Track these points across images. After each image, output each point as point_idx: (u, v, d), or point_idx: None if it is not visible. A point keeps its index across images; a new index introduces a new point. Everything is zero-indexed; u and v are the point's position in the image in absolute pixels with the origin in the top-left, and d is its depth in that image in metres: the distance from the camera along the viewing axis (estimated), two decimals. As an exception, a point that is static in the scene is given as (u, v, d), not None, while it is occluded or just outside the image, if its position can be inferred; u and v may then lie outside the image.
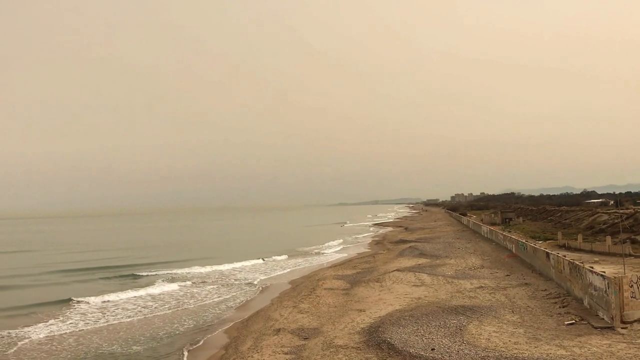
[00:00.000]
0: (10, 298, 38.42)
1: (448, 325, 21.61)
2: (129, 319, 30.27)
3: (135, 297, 37.22)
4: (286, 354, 20.12)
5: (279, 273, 49.06)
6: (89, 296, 36.84)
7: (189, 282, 43.39)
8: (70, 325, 28.80)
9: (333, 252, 69.30)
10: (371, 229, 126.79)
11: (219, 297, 37.24)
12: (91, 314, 31.81)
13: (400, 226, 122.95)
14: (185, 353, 23.37)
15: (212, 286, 41.71)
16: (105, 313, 31.93)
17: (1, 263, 65.18)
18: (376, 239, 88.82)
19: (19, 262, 65.60)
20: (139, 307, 33.67)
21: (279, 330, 24.16)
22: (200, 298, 36.87)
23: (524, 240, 44.88)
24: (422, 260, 45.03)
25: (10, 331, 26.95)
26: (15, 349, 24.22)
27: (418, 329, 21.39)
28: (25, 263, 63.30)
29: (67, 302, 34.61)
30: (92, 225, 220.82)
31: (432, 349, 18.59)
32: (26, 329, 27.53)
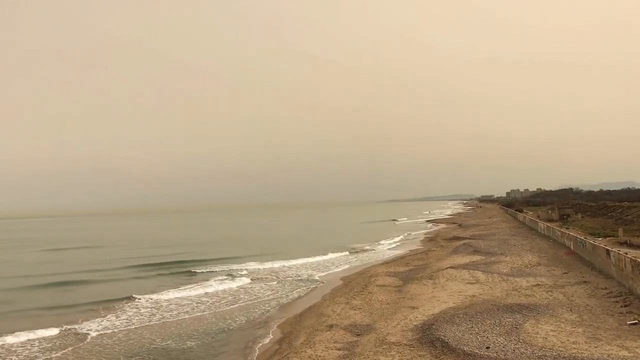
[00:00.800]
0: (70, 294, 39.78)
1: (503, 324, 21.14)
2: (183, 315, 30.75)
3: (190, 293, 37.87)
4: (339, 349, 20.14)
5: (330, 269, 49.15)
6: (145, 292, 37.78)
7: (242, 278, 43.90)
8: (125, 321, 29.45)
9: (385, 249, 68.97)
10: (424, 225, 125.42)
11: (272, 293, 37.59)
12: (146, 309, 32.51)
13: (453, 223, 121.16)
14: (239, 348, 23.70)
15: (265, 282, 42.17)
16: (160, 309, 32.56)
17: (68, 258, 67.80)
18: (429, 235, 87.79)
19: (79, 257, 68.26)
20: (194, 303, 34.20)
21: (331, 326, 24.21)
22: (253, 294, 37.32)
23: (582, 237, 43.43)
24: (476, 258, 44.21)
25: (68, 327, 27.74)
26: (71, 343, 25.02)
27: (472, 327, 21.02)
28: (86, 259, 65.70)
29: (124, 298, 35.42)
30: (143, 222, 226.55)
31: (487, 348, 18.23)
32: (82, 324, 28.36)
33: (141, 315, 30.79)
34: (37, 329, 26.76)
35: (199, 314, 31.12)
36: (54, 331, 26.50)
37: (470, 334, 20.09)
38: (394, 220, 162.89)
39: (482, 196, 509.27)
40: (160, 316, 30.54)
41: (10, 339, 24.85)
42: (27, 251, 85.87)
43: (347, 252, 63.20)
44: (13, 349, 23.69)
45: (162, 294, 37.20)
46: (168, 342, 24.66)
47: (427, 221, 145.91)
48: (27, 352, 23.27)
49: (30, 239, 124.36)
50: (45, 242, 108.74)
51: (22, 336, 25.33)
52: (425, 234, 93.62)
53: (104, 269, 53.75)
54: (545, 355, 16.87)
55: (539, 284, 29.81)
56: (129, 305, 33.33)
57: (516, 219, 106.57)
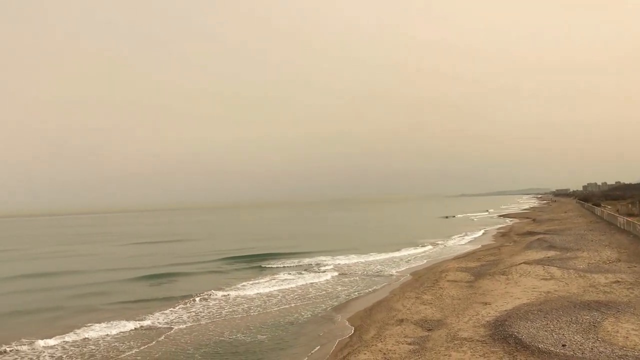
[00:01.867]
0: (150, 287, 41.12)
1: (580, 321, 20.31)
2: (253, 310, 31.04)
3: (261, 287, 38.43)
4: (409, 344, 19.98)
5: (400, 264, 48.73)
6: (220, 285, 38.80)
7: (313, 273, 44.30)
8: (193, 314, 29.94)
9: (456, 244, 67.75)
10: (496, 220, 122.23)
11: (342, 287, 37.69)
12: (215, 302, 33.09)
13: (527, 217, 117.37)
14: (310, 341, 23.89)
15: (334, 276, 42.33)
16: (229, 303, 33.08)
17: (155, 252, 70.57)
18: (501, 230, 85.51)
19: (166, 251, 71.02)
20: (264, 297, 34.59)
21: (402, 320, 24.04)
22: (323, 288, 37.52)
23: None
24: (551, 253, 42.65)
25: (141, 321, 28.46)
26: (143, 337, 25.71)
27: (547, 324, 20.32)
28: (174, 252, 68.03)
29: (200, 292, 36.16)
30: (217, 217, 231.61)
31: (563, 345, 17.58)
32: (152, 318, 29.06)
33: (211, 308, 31.43)
34: (112, 320, 27.75)
35: (269, 308, 31.44)
36: (127, 324, 27.13)
37: (545, 331, 19.43)
38: (464, 215, 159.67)
39: (557, 190, 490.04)
40: (230, 310, 31.02)
41: (87, 333, 25.65)
42: (115, 245, 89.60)
43: (417, 247, 62.48)
44: (88, 343, 24.52)
45: (234, 288, 37.98)
46: (237, 335, 25.00)
47: (500, 216, 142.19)
48: (98, 346, 23.85)
49: (117, 233, 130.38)
50: (132, 236, 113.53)
51: (96, 330, 26.05)
52: (497, 229, 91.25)
53: (189, 262, 55.01)
54: (627, 355, 16.09)
55: (618, 281, 28.42)
56: (202, 298, 34.06)
57: (593, 213, 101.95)
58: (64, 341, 24.08)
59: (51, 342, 23.77)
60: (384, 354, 18.90)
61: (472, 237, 77.21)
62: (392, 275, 42.24)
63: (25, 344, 23.54)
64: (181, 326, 27.04)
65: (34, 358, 21.85)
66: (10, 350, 22.78)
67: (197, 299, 33.71)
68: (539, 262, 37.67)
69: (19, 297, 37.16)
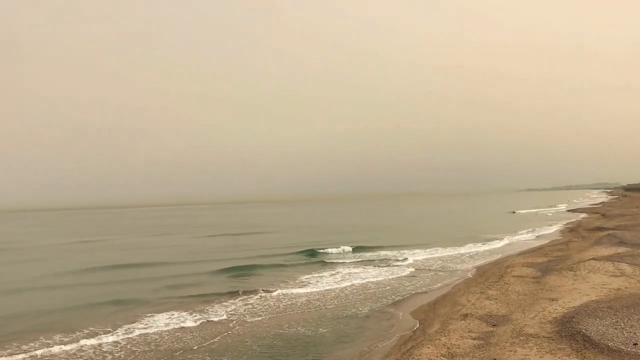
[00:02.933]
0: (217, 280, 41.66)
1: (653, 320, 19.49)
2: (313, 303, 31.17)
3: (325, 280, 38.75)
4: (474, 339, 19.76)
5: (465, 259, 48.01)
6: (280, 279, 39.35)
7: (375, 267, 44.26)
8: (251, 307, 30.11)
9: (522, 239, 65.96)
10: (563, 215, 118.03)
11: (404, 281, 37.48)
12: (276, 295, 33.22)
13: (596, 212, 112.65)
14: (372, 334, 23.97)
15: (396, 271, 42.09)
16: (289, 296, 33.20)
17: (237, 244, 71.61)
18: (569, 226, 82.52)
19: (248, 243, 71.95)
20: (325, 291, 34.56)
21: (466, 315, 23.77)
22: (386, 282, 37.35)
23: None
24: (621, 249, 40.90)
25: (202, 314, 29.15)
26: (201, 329, 26.22)
27: (617, 321, 19.60)
28: (256, 244, 68.82)
29: (259, 284, 36.86)
30: (293, 209, 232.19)
31: (635, 344, 16.94)
32: (213, 310, 29.43)
33: (270, 301, 31.67)
34: (175, 312, 28.48)
35: (330, 301, 31.43)
36: (189, 317, 27.48)
37: (615, 329, 18.76)
38: (531, 210, 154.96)
39: (628, 185, 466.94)
40: (290, 303, 31.05)
41: (151, 325, 26.25)
42: (194, 236, 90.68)
43: (482, 243, 61.29)
44: (150, 335, 25.13)
45: (296, 281, 38.32)
46: (297, 329, 25.05)
47: (568, 211, 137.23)
48: (162, 337, 24.29)
49: (193, 225, 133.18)
50: (209, 228, 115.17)
51: (159, 322, 26.60)
52: (565, 224, 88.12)
53: (260, 255, 55.13)
54: (703, 355, 15.37)
55: (695, 279, 27.03)
56: (265, 291, 34.39)
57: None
58: (126, 332, 24.70)
59: (113, 336, 24.26)
60: (448, 348, 18.78)
61: (539, 232, 74.94)
62: (456, 270, 41.69)
63: (90, 336, 24.62)
64: (240, 319, 27.27)
65: (99, 348, 22.55)
66: (79, 338, 23.97)
67: (261, 292, 34.07)
68: (608, 258, 36.23)
69: (103, 287, 38.13)
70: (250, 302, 31.42)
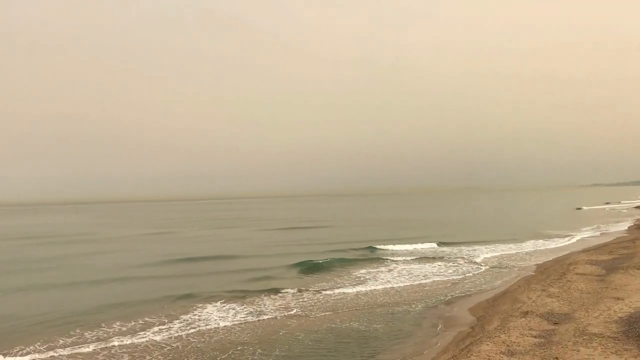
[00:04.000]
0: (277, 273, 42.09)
1: None
2: (366, 297, 30.90)
3: (378, 274, 38.51)
4: (535, 337, 19.17)
5: (524, 256, 46.68)
6: (332, 274, 39.18)
7: (433, 262, 43.63)
8: (309, 302, 29.81)
9: (585, 236, 63.40)
10: (631, 212, 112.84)
11: (463, 277, 36.74)
12: (327, 290, 32.86)
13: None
14: (429, 330, 23.61)
15: (455, 267, 41.43)
16: (342, 291, 32.85)
17: (296, 237, 71.71)
18: (638, 223, 78.85)
19: (310, 236, 72.16)
20: (379, 286, 34.13)
21: (526, 312, 23.10)
22: (444, 278, 36.77)
23: None
24: (694, 248, 38.77)
25: (253, 307, 29.55)
26: (253, 322, 26.55)
27: (689, 323, 18.58)
28: (318, 239, 69.11)
29: (311, 279, 36.96)
30: (348, 203, 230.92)
31: None
32: (267, 303, 29.67)
33: (322, 296, 31.51)
34: (232, 304, 28.98)
35: (384, 296, 31.12)
36: (241, 309, 27.88)
37: (687, 330, 17.80)
38: (597, 206, 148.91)
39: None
40: (342, 298, 30.83)
41: (202, 317, 26.57)
42: (257, 229, 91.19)
43: (544, 239, 59.42)
44: (201, 327, 25.79)
45: (350, 276, 38.11)
46: (350, 324, 24.79)
47: (636, 207, 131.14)
48: (217, 331, 24.48)
49: (254, 218, 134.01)
50: (270, 221, 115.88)
51: (212, 314, 27.03)
52: (633, 220, 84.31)
53: (334, 249, 54.15)
54: None
55: None
56: (317, 287, 34.52)
57: None
58: (184, 324, 25.20)
59: (168, 329, 24.93)
60: (508, 345, 18.30)
61: (604, 229, 71.97)
62: (516, 267, 40.51)
63: (147, 327, 25.41)
64: (291, 312, 27.19)
65: (154, 340, 22.98)
66: (141, 329, 24.72)
67: (319, 287, 34.10)
68: (680, 257, 34.43)
69: (179, 280, 38.41)
70: (309, 296, 31.33)
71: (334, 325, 24.51)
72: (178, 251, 56.87)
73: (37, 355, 19.92)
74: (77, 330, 23.84)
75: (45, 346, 21.33)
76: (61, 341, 22.13)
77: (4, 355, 19.86)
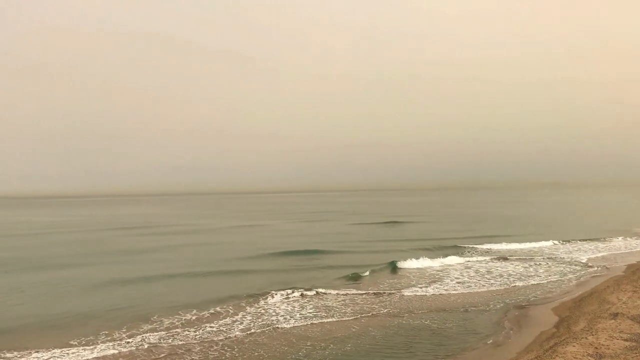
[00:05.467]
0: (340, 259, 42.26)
1: None
2: (441, 292, 30.09)
3: (451, 269, 37.62)
4: (625, 340, 17.87)
5: (613, 254, 44.02)
6: (424, 271, 38.36)
7: (510, 260, 41.91)
8: (378, 300, 29.17)
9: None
10: None
11: (541, 275, 35.00)
12: (409, 290, 31.78)
13: None
14: (511, 329, 22.50)
15: (532, 263, 39.62)
16: (422, 282, 32.41)
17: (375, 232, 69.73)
18: None
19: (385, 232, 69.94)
20: (454, 282, 33.24)
21: (616, 314, 21.62)
22: (523, 275, 35.24)
23: None
24: None
25: (319, 290, 29.16)
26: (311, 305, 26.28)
27: None
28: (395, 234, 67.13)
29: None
30: (427, 198, 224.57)
31: None
32: (332, 291, 29.79)
33: (405, 294, 30.80)
34: (285, 290, 29.34)
35: (457, 291, 30.33)
36: (317, 307, 27.36)
37: None
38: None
39: None
40: (425, 295, 29.96)
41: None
42: (353, 223, 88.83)
43: (633, 237, 55.86)
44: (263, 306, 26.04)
45: (420, 273, 37.33)
46: (426, 322, 24.01)
47: None
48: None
49: (338, 212, 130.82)
50: (354, 215, 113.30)
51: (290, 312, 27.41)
52: None
53: (424, 247, 51.78)
54: None
55: None
56: (402, 286, 33.85)
57: None
58: (253, 317, 25.57)
59: (239, 322, 25.29)
60: (596, 348, 17.17)
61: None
62: (602, 265, 38.17)
63: (216, 317, 25.76)
64: (368, 311, 26.49)
65: (229, 335, 23.33)
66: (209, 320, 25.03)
67: (398, 286, 33.36)
68: None
69: (279, 275, 37.29)
70: (390, 296, 30.41)
71: (407, 324, 23.77)
72: (275, 244, 55.34)
73: (108, 344, 20.53)
74: (155, 317, 24.63)
75: (127, 333, 22.11)
76: (140, 329, 22.80)
77: (85, 337, 20.85)
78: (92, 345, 20.40)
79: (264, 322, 23.89)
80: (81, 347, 20.08)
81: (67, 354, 19.28)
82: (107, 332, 22.29)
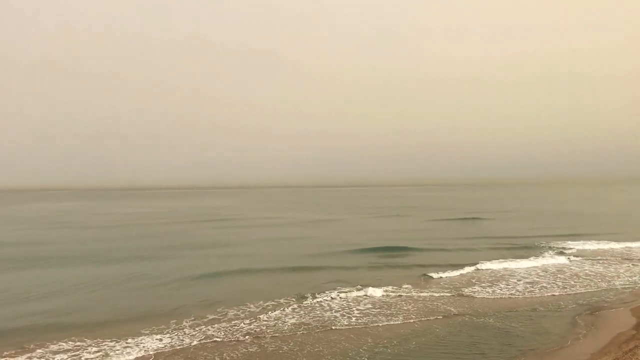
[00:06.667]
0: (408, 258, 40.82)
1: None
2: (511, 292, 28.77)
3: (523, 268, 35.92)
4: None
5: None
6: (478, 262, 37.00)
7: (582, 258, 39.67)
8: (447, 300, 28.34)
9: None
10: None
11: (621, 276, 32.74)
12: (474, 290, 30.23)
13: None
14: (585, 330, 21.16)
15: (611, 264, 37.20)
16: (493, 283, 31.08)
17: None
18: None
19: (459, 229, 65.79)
20: (525, 282, 31.56)
21: None
22: (596, 274, 33.18)
23: None
24: None
25: (392, 287, 28.38)
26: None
27: None
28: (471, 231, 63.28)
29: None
30: (499, 193, 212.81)
31: None
32: (405, 287, 28.83)
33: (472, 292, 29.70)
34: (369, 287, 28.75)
35: (529, 291, 28.86)
36: (377, 291, 27.99)
37: None
38: None
39: None
40: (479, 292, 28.93)
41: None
42: (431, 219, 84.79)
43: None
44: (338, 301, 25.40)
45: (496, 265, 36.22)
46: (489, 320, 22.97)
47: None
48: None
49: (416, 207, 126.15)
50: (445, 211, 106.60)
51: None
52: None
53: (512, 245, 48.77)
54: None
55: None
56: (477, 283, 32.51)
57: None
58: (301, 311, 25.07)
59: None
60: (682, 351, 15.76)
61: None
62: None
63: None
64: (432, 311, 25.85)
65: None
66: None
67: (470, 287, 32.33)
68: None
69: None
70: (459, 297, 29.28)
71: (473, 322, 22.73)
72: (353, 240, 53.45)
73: (172, 334, 20.67)
74: (222, 309, 24.81)
75: (190, 323, 22.41)
76: (205, 319, 23.07)
77: (157, 326, 20.97)
78: (159, 334, 20.76)
79: (324, 319, 23.45)
80: (150, 336, 20.46)
81: (141, 342, 19.60)
82: (176, 321, 22.71)
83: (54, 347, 19.03)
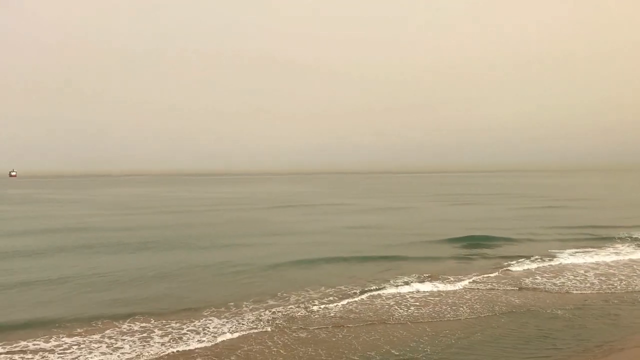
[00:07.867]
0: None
1: None
2: (588, 285, 26.89)
3: (608, 261, 33.41)
4: None
5: None
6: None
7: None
8: (493, 282, 27.29)
9: None
10: None
11: None
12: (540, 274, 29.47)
13: None
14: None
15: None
16: (557, 276, 29.10)
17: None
18: None
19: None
20: (595, 276, 29.19)
21: None
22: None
23: None
24: None
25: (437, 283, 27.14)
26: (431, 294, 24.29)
27: None
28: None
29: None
30: (565, 180, 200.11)
31: None
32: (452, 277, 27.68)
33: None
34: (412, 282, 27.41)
35: (609, 286, 26.77)
36: (426, 286, 26.61)
37: None
38: None
39: None
40: (552, 285, 27.14)
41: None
42: (513, 207, 79.18)
43: None
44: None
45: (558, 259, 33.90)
46: (560, 312, 21.63)
47: None
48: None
49: (498, 193, 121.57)
50: (525, 198, 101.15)
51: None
52: None
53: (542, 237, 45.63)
54: None
55: None
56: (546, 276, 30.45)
57: None
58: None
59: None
60: None
61: None
62: None
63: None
64: (497, 308, 24.66)
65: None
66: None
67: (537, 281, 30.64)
68: None
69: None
70: (523, 290, 28.05)
71: (543, 314, 21.53)
72: (432, 230, 50.76)
73: (225, 318, 20.51)
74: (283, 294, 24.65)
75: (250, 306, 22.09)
76: (265, 303, 22.81)
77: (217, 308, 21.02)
78: (215, 317, 20.69)
79: (385, 309, 22.68)
80: (220, 321, 20.30)
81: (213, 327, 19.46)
82: (233, 303, 22.85)
83: (124, 328, 19.48)
